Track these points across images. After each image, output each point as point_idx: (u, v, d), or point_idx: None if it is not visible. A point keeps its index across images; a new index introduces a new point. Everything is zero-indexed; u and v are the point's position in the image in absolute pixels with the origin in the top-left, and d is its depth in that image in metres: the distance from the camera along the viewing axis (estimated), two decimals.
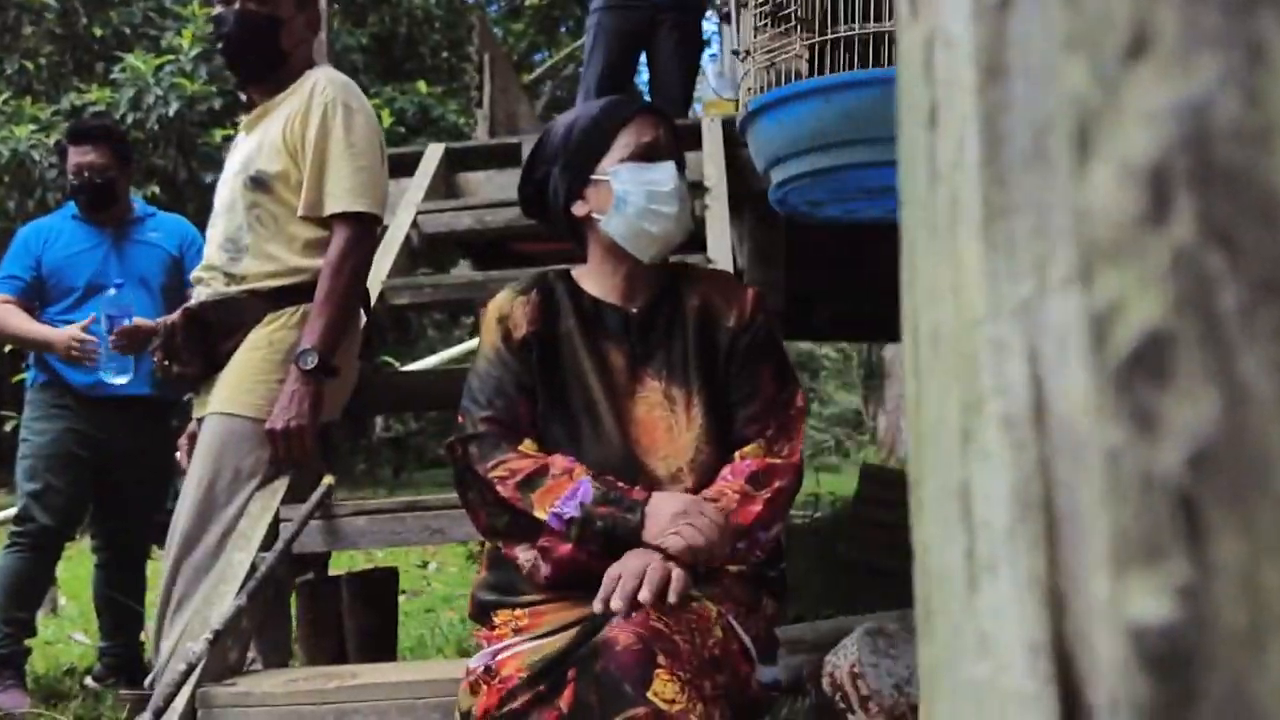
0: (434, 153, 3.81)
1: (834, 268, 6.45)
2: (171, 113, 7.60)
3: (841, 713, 3.08)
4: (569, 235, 1.88)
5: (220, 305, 2.48)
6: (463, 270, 4.61)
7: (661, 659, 1.44)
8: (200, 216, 3.96)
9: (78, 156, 3.55)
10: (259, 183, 2.49)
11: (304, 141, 2.47)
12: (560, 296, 1.82)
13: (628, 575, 1.52)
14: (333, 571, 3.04)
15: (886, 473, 4.86)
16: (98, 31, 8.79)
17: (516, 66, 10.46)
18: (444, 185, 3.77)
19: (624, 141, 1.78)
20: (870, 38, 1.25)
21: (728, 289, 1.86)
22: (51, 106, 8.04)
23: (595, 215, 1.79)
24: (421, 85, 9.10)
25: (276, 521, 2.33)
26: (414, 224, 3.40)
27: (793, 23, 1.30)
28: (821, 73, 1.33)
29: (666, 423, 1.75)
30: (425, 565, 7.13)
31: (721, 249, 2.89)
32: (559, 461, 1.67)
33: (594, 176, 1.79)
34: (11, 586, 3.48)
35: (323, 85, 2.50)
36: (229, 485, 2.38)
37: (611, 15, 4.71)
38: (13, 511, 4.87)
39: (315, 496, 2.31)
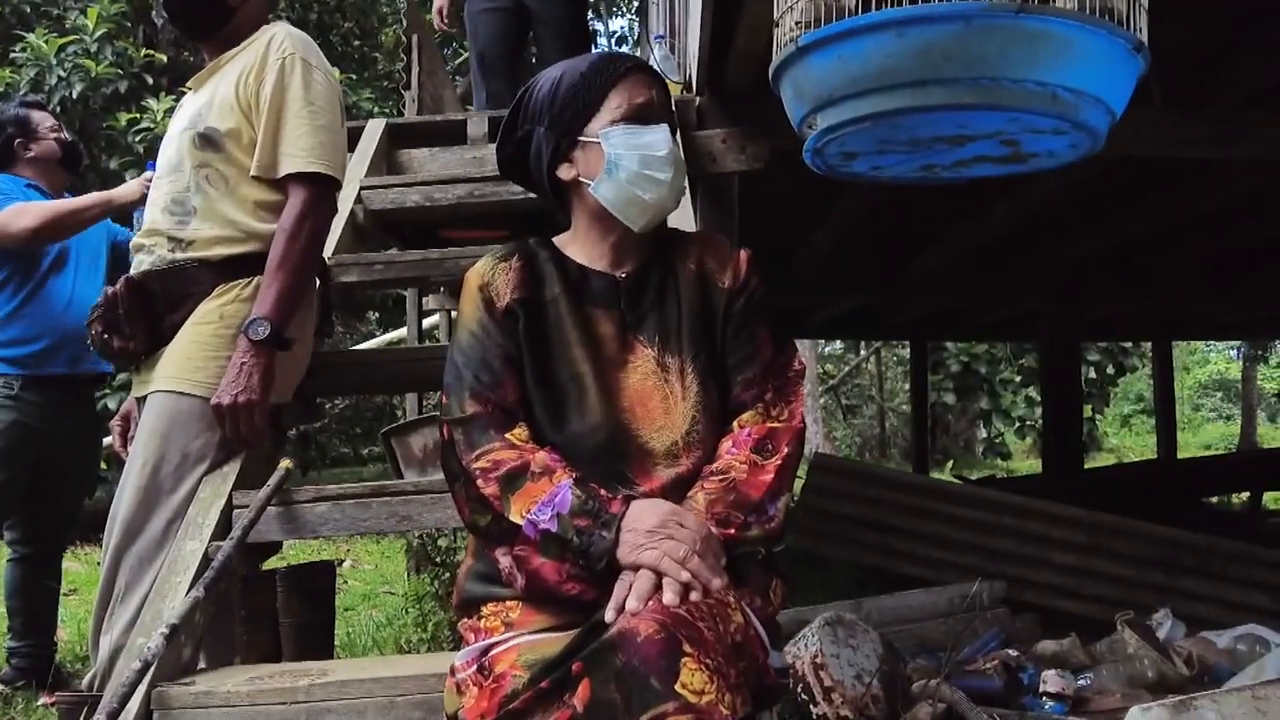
0: (374, 128, 3.66)
1: (779, 256, 6.47)
2: (74, 95, 7.25)
3: (804, 704, 3.02)
4: (551, 199, 1.78)
5: (166, 275, 2.30)
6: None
7: (688, 647, 1.34)
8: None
9: (50, 120, 3.68)
10: (208, 140, 2.31)
11: (259, 98, 2.30)
12: (544, 263, 1.73)
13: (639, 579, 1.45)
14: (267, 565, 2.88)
15: (837, 462, 4.83)
16: None
17: None
18: (385, 162, 3.61)
19: (615, 102, 1.69)
20: None
21: (719, 250, 1.78)
22: None
23: (583, 179, 1.70)
24: (335, 72, 8.82)
25: (229, 508, 2.16)
26: (358, 200, 3.24)
27: None
28: (871, 9, 1.24)
29: (661, 392, 1.66)
30: (341, 562, 6.93)
31: (684, 226, 2.81)
32: (540, 458, 1.57)
33: (582, 138, 1.69)
34: None
35: (280, 39, 2.34)
36: (175, 469, 2.20)
37: (472, 23, 4.67)
38: None
39: (273, 481, 2.15)
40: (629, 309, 1.70)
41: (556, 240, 1.78)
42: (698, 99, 3.66)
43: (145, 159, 7.05)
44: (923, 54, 1.18)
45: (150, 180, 3.25)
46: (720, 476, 1.59)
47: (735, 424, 1.66)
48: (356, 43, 10.56)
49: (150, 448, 2.21)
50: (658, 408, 1.64)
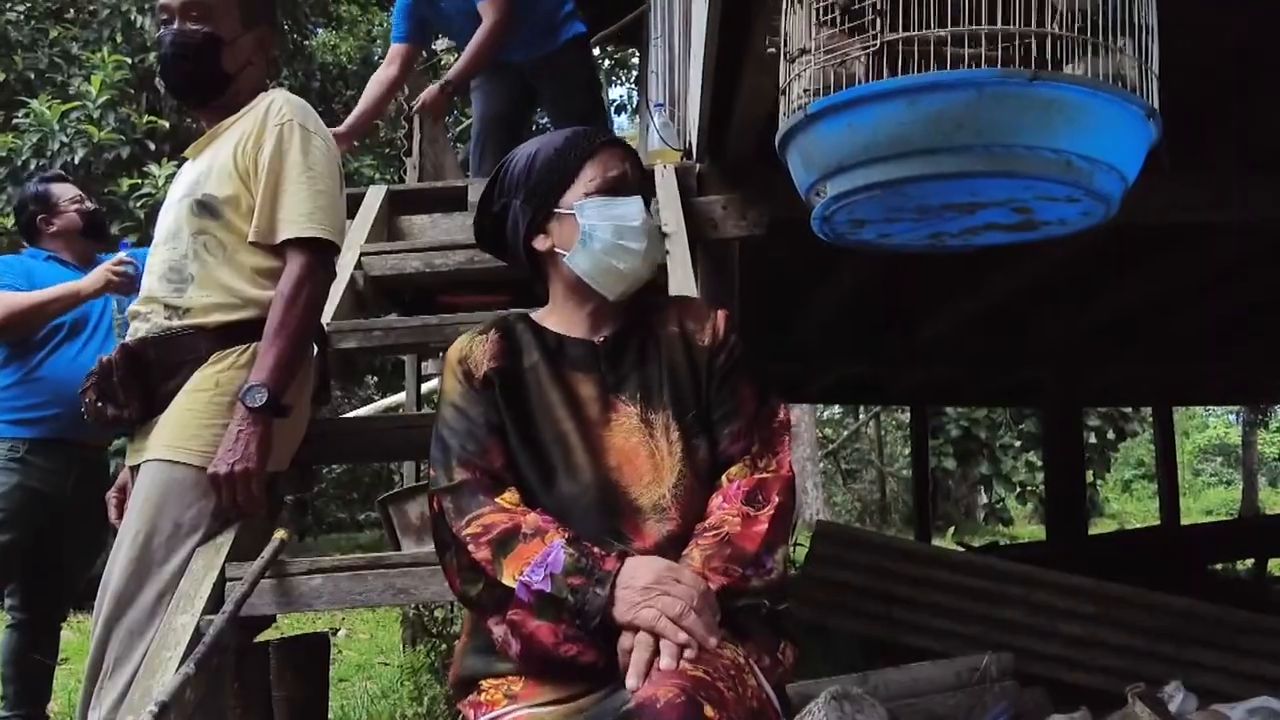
0: (375, 195, 3.65)
1: (778, 322, 6.46)
2: (77, 160, 7.30)
3: None
4: (528, 271, 1.80)
5: (161, 342, 2.27)
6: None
7: (709, 710, 1.31)
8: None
9: (71, 191, 3.70)
10: (207, 207, 2.29)
11: (257, 164, 2.29)
12: (521, 334, 1.75)
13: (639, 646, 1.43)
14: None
15: (840, 530, 4.77)
16: (1, 76, 8.43)
17: None
18: (386, 229, 3.60)
19: (589, 175, 1.72)
20: (948, 39, 1.16)
21: (697, 311, 1.79)
22: None
23: (559, 250, 1.73)
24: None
25: (223, 580, 2.11)
26: (358, 265, 3.23)
27: (870, 16, 1.19)
28: (879, 77, 1.23)
29: (647, 448, 1.65)
30: (335, 631, 6.83)
31: (686, 292, 2.79)
32: (532, 520, 1.56)
33: (558, 210, 1.72)
34: None
35: (279, 105, 2.33)
36: (167, 540, 2.15)
37: (478, 97, 4.65)
38: None
39: (267, 553, 2.09)
40: (609, 371, 1.71)
41: (534, 315, 1.80)
42: (698, 165, 3.67)
43: (147, 224, 7.08)
44: (935, 122, 1.16)
45: (119, 266, 3.28)
46: (714, 532, 1.58)
47: (724, 478, 1.65)
48: None
49: (143, 517, 2.16)
50: (644, 464, 1.63)
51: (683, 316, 1.76)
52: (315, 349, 2.45)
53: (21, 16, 9.04)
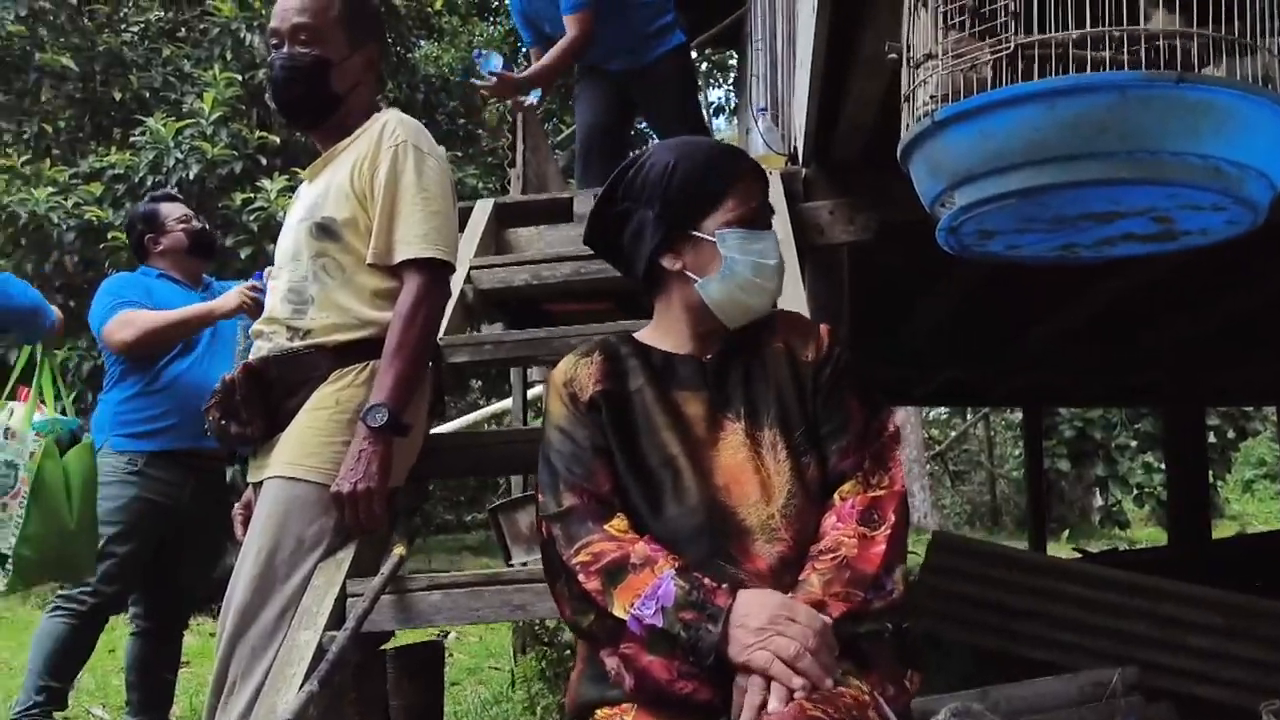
0: (483, 208, 3.68)
1: (887, 327, 6.35)
2: (191, 175, 7.52)
3: None
4: (640, 279, 1.77)
5: (283, 361, 2.31)
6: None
7: None
8: (222, 276, 3.96)
9: (179, 210, 3.76)
10: (325, 230, 2.32)
11: (373, 186, 2.31)
12: (626, 356, 1.73)
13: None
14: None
15: (958, 542, 4.66)
16: (117, 95, 8.74)
17: None
18: (493, 242, 3.63)
19: (731, 203, 1.69)
20: (1085, 41, 1.10)
21: (801, 326, 1.77)
22: (70, 169, 7.96)
23: (689, 274, 1.70)
24: (441, 150, 8.98)
25: (344, 596, 2.13)
26: (468, 279, 3.25)
27: (1002, 19, 1.14)
28: (1006, 82, 1.17)
29: (755, 467, 1.63)
30: (446, 634, 6.91)
31: (796, 301, 2.75)
32: (640, 549, 1.54)
33: (696, 233, 1.69)
34: (51, 653, 3.39)
35: (393, 127, 2.35)
36: (290, 556, 2.18)
37: (580, 108, 4.66)
38: None
39: (386, 569, 2.11)
40: (716, 388, 1.69)
41: (637, 334, 1.79)
42: (804, 170, 3.62)
43: (260, 238, 7.26)
44: (1074, 127, 1.11)
45: (252, 290, 3.35)
46: (831, 555, 1.54)
47: (836, 496, 1.62)
48: (461, 120, 10.81)
49: (266, 534, 2.20)
50: (753, 483, 1.61)
51: (787, 332, 1.75)
52: (430, 365, 2.46)
53: (136, 36, 9.35)
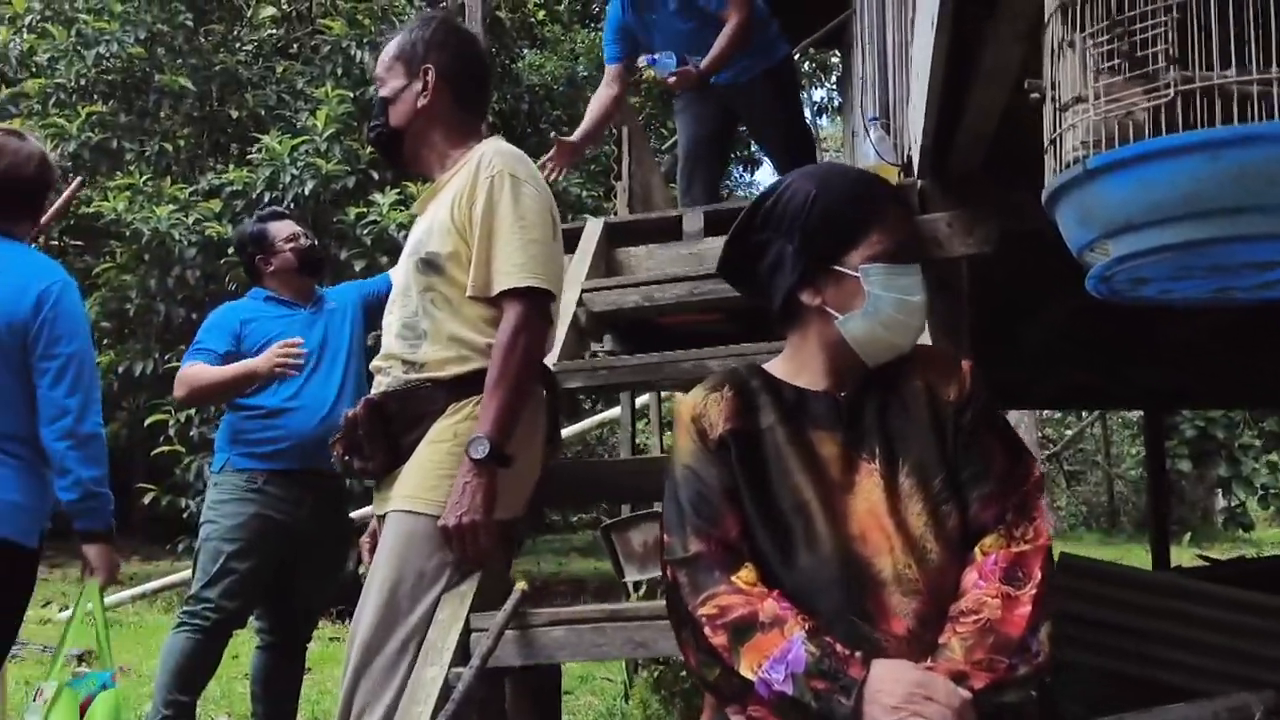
0: (593, 229, 3.67)
1: (1003, 333, 6.19)
2: (307, 191, 7.70)
3: None
4: (776, 312, 1.71)
5: (401, 395, 2.33)
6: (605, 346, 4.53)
7: None
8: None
9: (287, 229, 3.77)
10: (431, 265, 2.34)
11: (471, 218, 2.31)
12: (757, 390, 1.67)
13: None
14: None
15: (1086, 564, 4.52)
16: (233, 114, 9.00)
17: None
18: (604, 262, 3.62)
19: (876, 237, 1.62)
20: (1254, 86, 1.04)
21: (942, 363, 1.69)
22: (190, 187, 8.22)
23: (830, 310, 1.63)
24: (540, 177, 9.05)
25: (467, 631, 2.15)
26: (580, 302, 3.25)
27: (1162, 63, 1.08)
28: (1163, 127, 1.11)
29: (892, 515, 1.56)
30: None
31: None
32: (770, 607, 1.49)
33: (838, 268, 1.62)
34: (178, 668, 3.46)
35: (490, 158, 2.34)
36: (412, 590, 2.21)
37: (683, 119, 4.63)
38: (160, 582, 4.93)
39: (509, 605, 2.12)
40: (851, 428, 1.62)
41: (767, 366, 1.73)
42: (919, 182, 3.54)
43: (373, 250, 7.41)
44: (1239, 179, 1.04)
45: (284, 351, 3.37)
46: (973, 617, 1.48)
47: (977, 550, 1.55)
48: (565, 129, 10.87)
49: (389, 567, 2.22)
50: (889, 532, 1.55)
51: (927, 369, 1.67)
52: (545, 393, 2.46)
53: (250, 55, 9.62)
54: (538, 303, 2.31)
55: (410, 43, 2.46)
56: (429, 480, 2.26)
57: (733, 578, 1.53)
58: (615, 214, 6.49)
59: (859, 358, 1.64)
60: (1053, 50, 1.28)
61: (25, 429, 2.52)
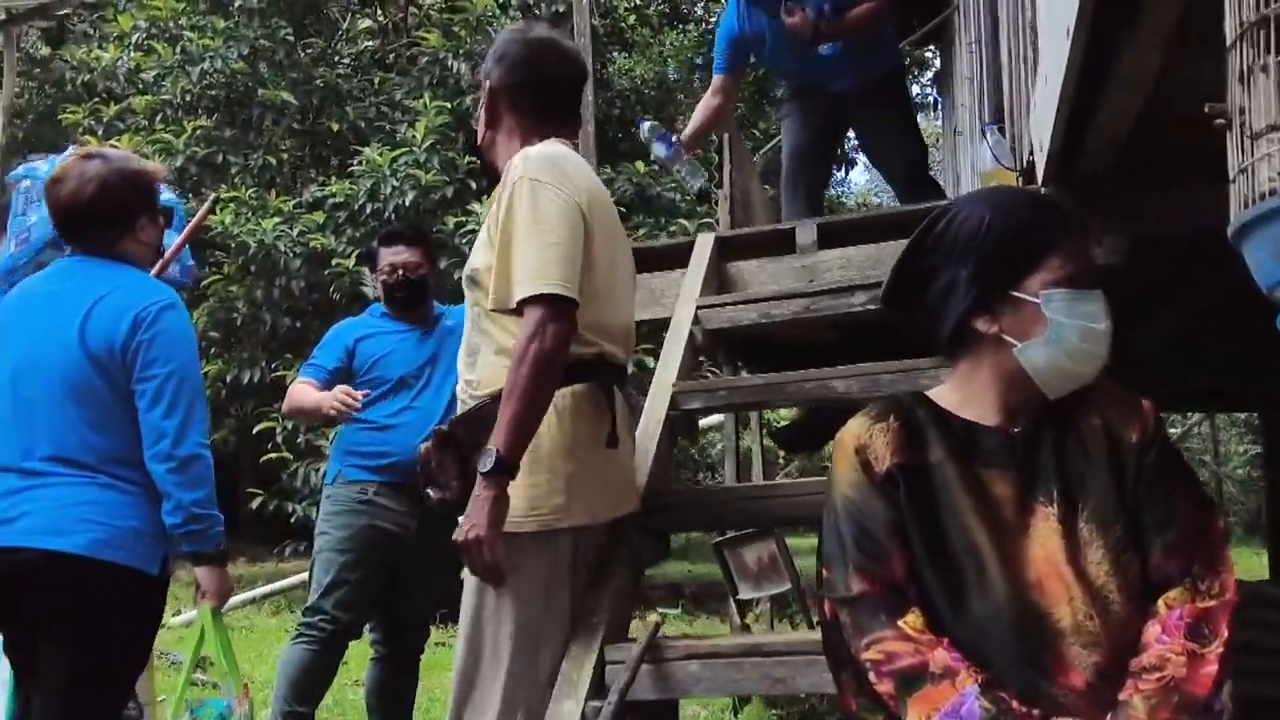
0: (704, 243, 3.62)
1: (1120, 338, 6.01)
2: (407, 202, 7.79)
3: None
4: (945, 340, 1.63)
5: (466, 419, 2.27)
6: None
7: None
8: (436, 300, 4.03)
9: (391, 256, 3.75)
10: (473, 281, 2.31)
11: (499, 230, 2.24)
12: (924, 422, 1.59)
13: None
14: None
15: (1252, 590, 4.36)
16: (334, 127, 9.14)
17: None
18: (716, 277, 3.57)
19: (1058, 261, 1.53)
20: None
21: (1122, 400, 1.59)
22: (293, 199, 8.38)
23: (1007, 338, 1.55)
24: (640, 165, 9.07)
25: (602, 664, 2.12)
26: (695, 320, 3.21)
27: None
28: None
29: (1070, 563, 1.47)
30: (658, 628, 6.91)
31: None
32: (940, 658, 1.43)
33: (1016, 294, 1.54)
34: (296, 680, 3.50)
35: (515, 165, 2.26)
36: (495, 613, 2.18)
37: (789, 125, 4.52)
38: (270, 587, 5.02)
39: (644, 639, 2.10)
40: (1025, 467, 1.54)
41: (932, 394, 1.65)
42: (1043, 189, 3.43)
43: None
44: None
45: (341, 398, 3.42)
46: (1157, 675, 1.40)
47: (1161, 604, 1.46)
48: None
49: (474, 593, 2.21)
50: (1067, 580, 1.47)
51: (1106, 406, 1.58)
52: (602, 395, 2.33)
53: (349, 69, 9.77)
54: (556, 309, 2.16)
55: (487, 58, 2.46)
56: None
57: (899, 622, 1.47)
58: (717, 221, 6.44)
59: (1036, 390, 1.56)
60: (1241, 74, 1.20)
61: (137, 454, 2.51)
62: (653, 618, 2.15)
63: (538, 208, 2.20)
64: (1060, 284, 1.52)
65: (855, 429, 1.61)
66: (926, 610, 1.49)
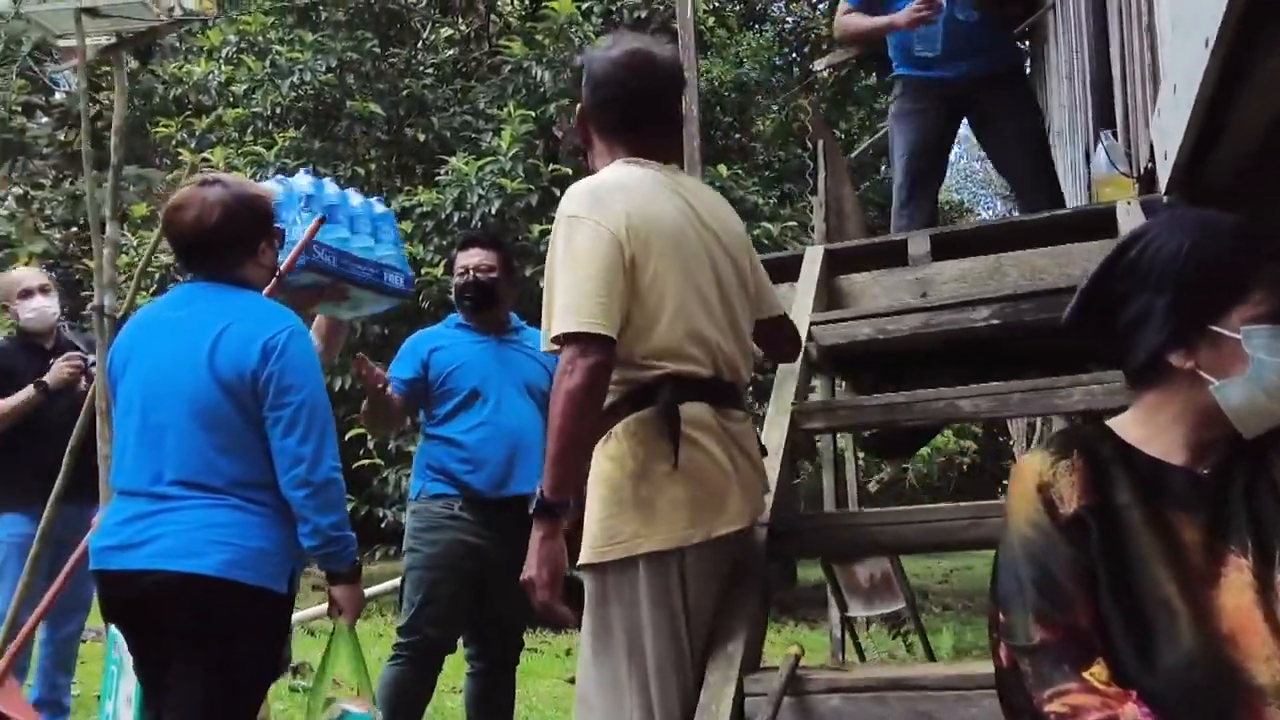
0: (814, 256, 3.58)
1: None
2: (493, 210, 7.83)
3: None
4: (1133, 370, 1.56)
5: None
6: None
7: None
8: (520, 307, 4.02)
9: (465, 259, 3.80)
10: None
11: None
12: (1108, 459, 1.51)
13: None
14: None
15: None
16: (421, 137, 9.22)
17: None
18: (826, 291, 3.52)
19: (1260, 294, 1.45)
20: None
21: None
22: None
23: (1203, 375, 1.47)
24: (722, 169, 9.01)
25: (740, 695, 2.10)
26: (809, 337, 3.17)
27: None
28: None
29: (1265, 613, 1.40)
30: (798, 659, 6.85)
31: None
32: (1130, 713, 1.37)
33: (1216, 328, 1.46)
34: (395, 700, 3.53)
35: (562, 201, 2.26)
36: (604, 644, 2.17)
37: (902, 126, 4.38)
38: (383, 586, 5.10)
39: (784, 672, 2.07)
40: (1215, 511, 1.46)
41: (1114, 426, 1.57)
42: (1165, 198, 3.34)
43: None
44: None
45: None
46: None
47: None
48: (736, 135, 10.78)
49: (585, 620, 2.21)
50: (1263, 634, 1.39)
51: None
52: (659, 415, 2.25)
53: (433, 79, 9.85)
54: (583, 346, 2.11)
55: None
56: (588, 530, 2.21)
57: (1085, 674, 1.42)
58: (812, 229, 6.37)
59: (1228, 428, 1.49)
60: None
61: (266, 476, 2.55)
62: (793, 649, 2.11)
63: (572, 245, 2.17)
64: (1263, 319, 1.45)
65: (1037, 465, 1.54)
66: (1111, 661, 1.43)
